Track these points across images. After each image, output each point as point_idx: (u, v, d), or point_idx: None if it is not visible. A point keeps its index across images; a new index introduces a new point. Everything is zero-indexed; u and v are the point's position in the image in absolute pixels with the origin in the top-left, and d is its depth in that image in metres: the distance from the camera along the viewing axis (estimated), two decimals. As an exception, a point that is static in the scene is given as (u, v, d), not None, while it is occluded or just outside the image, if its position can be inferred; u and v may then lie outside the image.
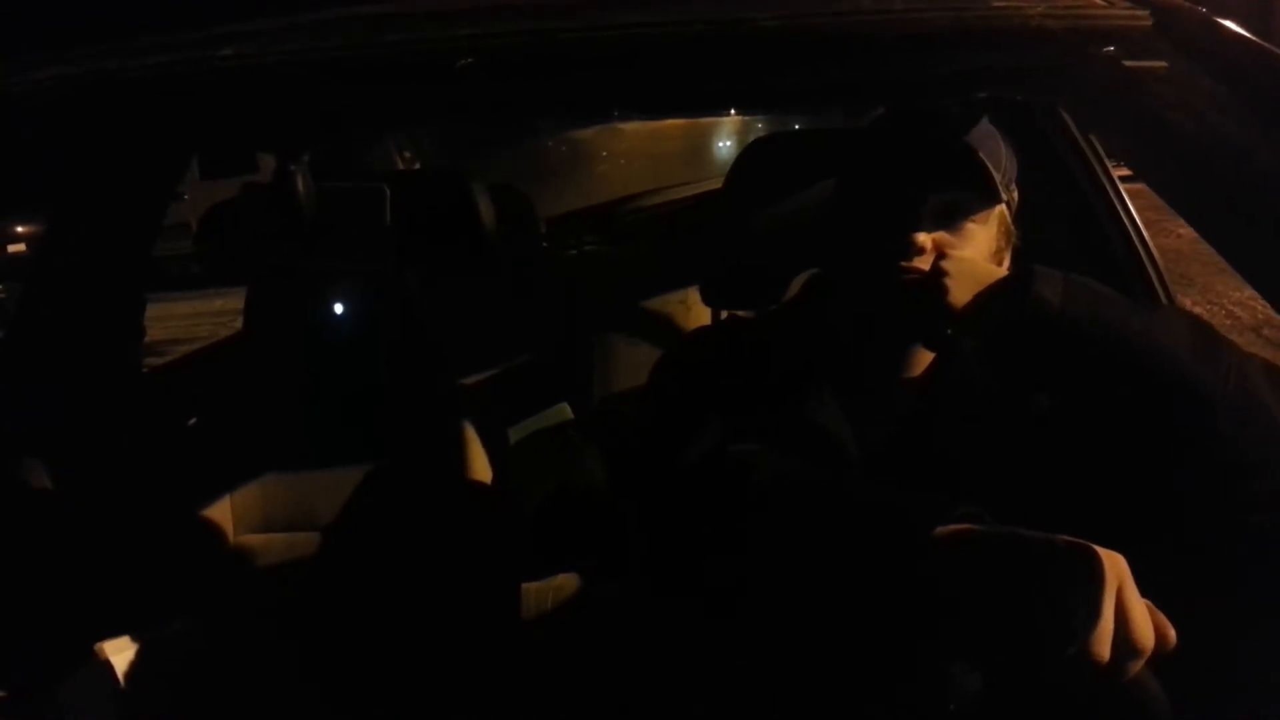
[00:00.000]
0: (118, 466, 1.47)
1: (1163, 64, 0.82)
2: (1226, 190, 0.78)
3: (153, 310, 1.71)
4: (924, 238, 0.87)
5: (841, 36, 0.85)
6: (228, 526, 1.49)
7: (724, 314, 1.42)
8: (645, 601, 1.03)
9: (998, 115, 0.94)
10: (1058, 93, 1.01)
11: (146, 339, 1.72)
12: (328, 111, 0.96)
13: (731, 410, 0.90)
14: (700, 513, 0.82)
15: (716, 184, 1.38)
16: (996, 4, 0.86)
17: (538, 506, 1.67)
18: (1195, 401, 0.79)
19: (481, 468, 1.47)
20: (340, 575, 1.44)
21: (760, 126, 2.87)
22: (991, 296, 0.84)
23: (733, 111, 2.50)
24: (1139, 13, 0.84)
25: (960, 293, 0.84)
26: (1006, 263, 0.95)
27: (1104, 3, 0.87)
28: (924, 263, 0.87)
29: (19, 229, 6.99)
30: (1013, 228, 0.95)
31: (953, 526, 0.68)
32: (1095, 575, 0.62)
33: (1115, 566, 0.64)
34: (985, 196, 0.89)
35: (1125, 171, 1.20)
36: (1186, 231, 0.83)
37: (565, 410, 2.00)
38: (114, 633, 1.25)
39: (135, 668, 1.24)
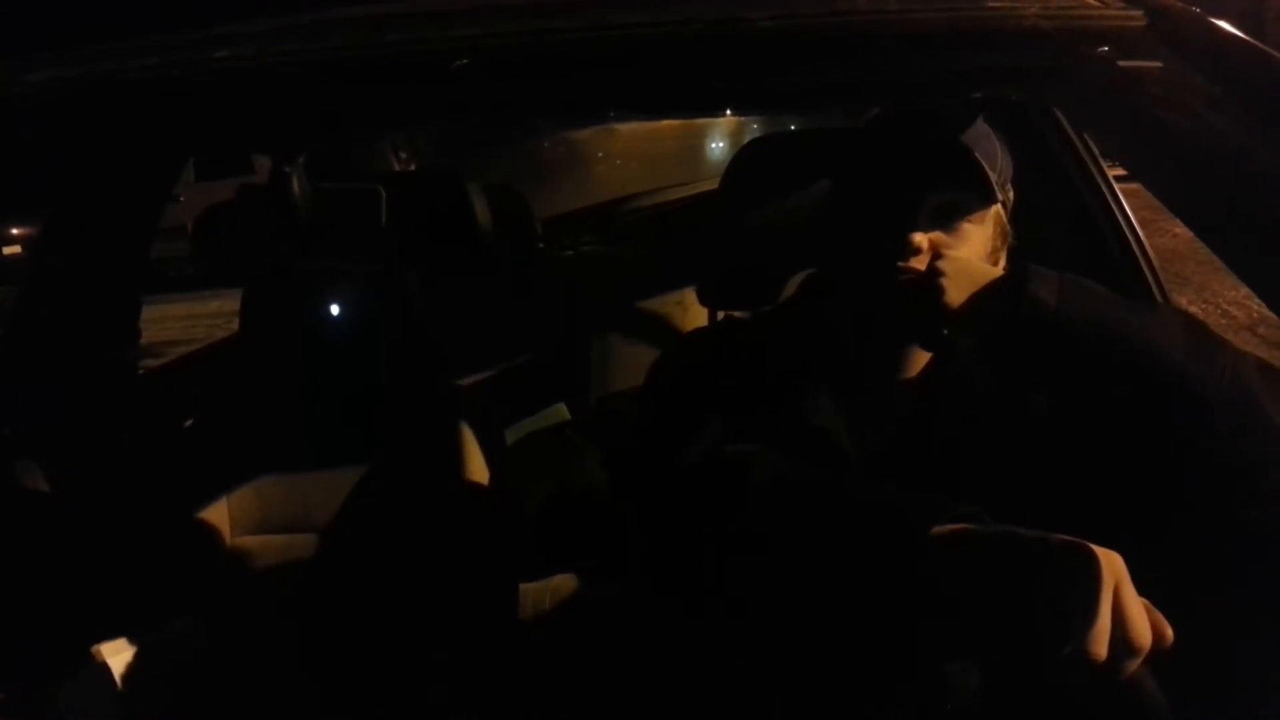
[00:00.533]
0: (115, 468, 1.47)
1: (1157, 64, 0.82)
2: (1221, 189, 0.79)
3: (149, 312, 1.71)
4: (920, 238, 0.87)
5: (836, 36, 0.85)
6: (225, 528, 1.49)
7: (721, 314, 1.42)
8: (645, 601, 1.03)
9: (993, 115, 0.94)
10: (1052, 93, 1.02)
11: (143, 341, 1.72)
12: (323, 112, 0.96)
13: (729, 411, 0.90)
14: (698, 513, 0.83)
15: (713, 184, 1.38)
16: (991, 4, 0.86)
17: (538, 507, 1.67)
18: (1190, 400, 0.79)
19: (479, 468, 1.47)
20: (337, 576, 1.44)
21: (756, 127, 2.88)
22: (987, 296, 0.84)
23: (729, 112, 2.50)
24: (1133, 13, 0.85)
25: (956, 292, 0.84)
26: (1002, 263, 0.95)
27: (1098, 3, 0.87)
28: (920, 263, 0.87)
29: (15, 231, 6.97)
30: (1009, 228, 0.95)
31: (950, 526, 0.68)
32: (1092, 574, 0.62)
33: (1112, 565, 0.64)
34: (981, 197, 0.89)
35: (1121, 171, 1.20)
36: (1182, 231, 0.83)
37: (562, 411, 2.00)
38: (112, 635, 1.25)
39: (133, 669, 1.24)
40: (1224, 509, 0.80)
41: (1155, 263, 1.44)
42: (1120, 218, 1.46)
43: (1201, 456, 0.80)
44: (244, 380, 1.64)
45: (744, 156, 1.29)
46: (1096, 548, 0.64)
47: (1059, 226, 1.48)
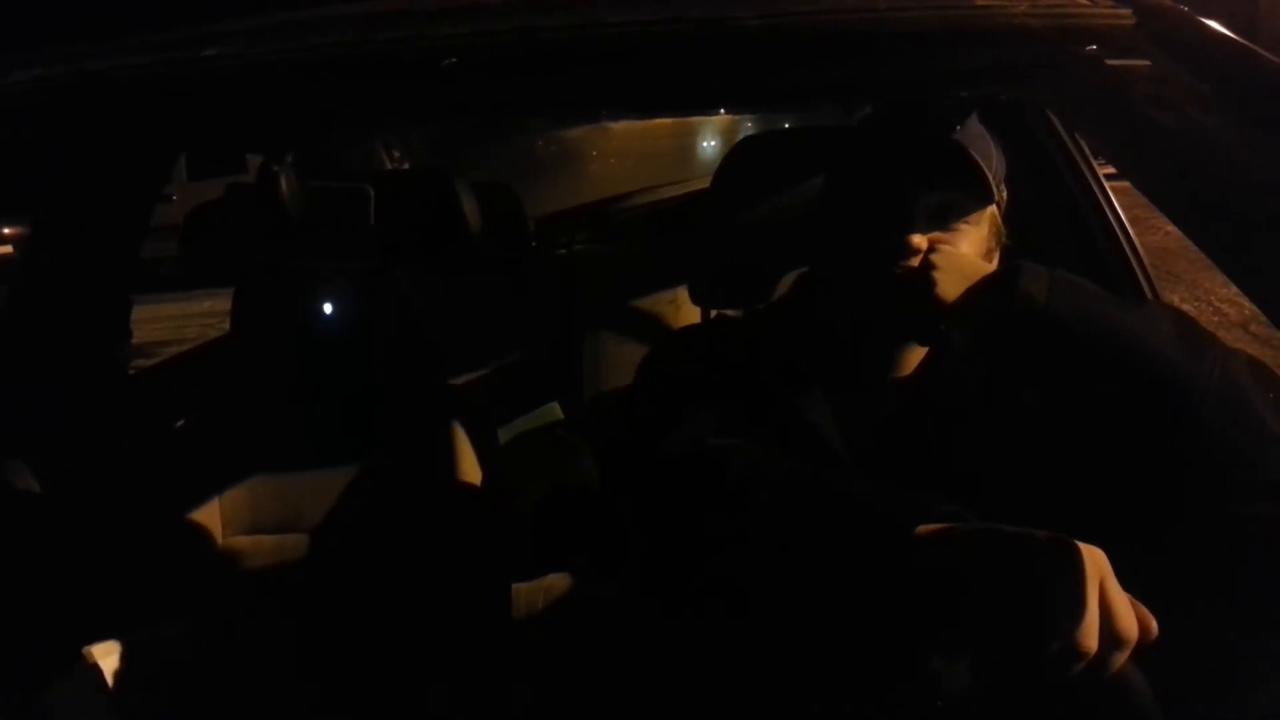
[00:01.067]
0: (106, 469, 1.47)
1: (1145, 63, 0.82)
2: (1209, 188, 0.79)
3: (141, 312, 1.71)
4: (918, 238, 0.87)
5: (825, 35, 0.85)
6: (216, 528, 1.49)
7: (713, 313, 1.42)
8: (639, 600, 1.03)
9: (984, 113, 0.94)
10: (1040, 91, 1.02)
11: (134, 340, 1.71)
12: (313, 111, 0.96)
13: (720, 409, 0.90)
14: (677, 508, 0.83)
15: (706, 183, 1.38)
16: (979, 3, 0.87)
17: (532, 506, 1.67)
18: (1180, 396, 0.79)
19: (472, 468, 1.47)
20: (330, 577, 1.43)
21: (749, 125, 2.88)
22: (980, 291, 0.84)
23: (721, 110, 2.50)
24: (1122, 11, 0.85)
25: (949, 286, 0.84)
26: (996, 261, 0.95)
27: (1087, 1, 0.87)
28: (916, 263, 0.87)
29: (5, 231, 6.94)
30: (1003, 227, 0.96)
31: (934, 525, 0.68)
32: (1078, 569, 0.63)
33: (1096, 560, 0.64)
34: (977, 196, 0.89)
35: (1112, 169, 1.21)
36: (1174, 229, 0.83)
37: (556, 409, 2.00)
38: (103, 636, 1.24)
39: (124, 670, 1.24)
40: (1214, 505, 0.80)
41: (1146, 261, 1.45)
42: (1111, 216, 1.46)
43: (1191, 452, 0.80)
44: (236, 380, 1.64)
45: (736, 155, 1.29)
46: (1080, 543, 0.64)
47: (1050, 225, 1.48)
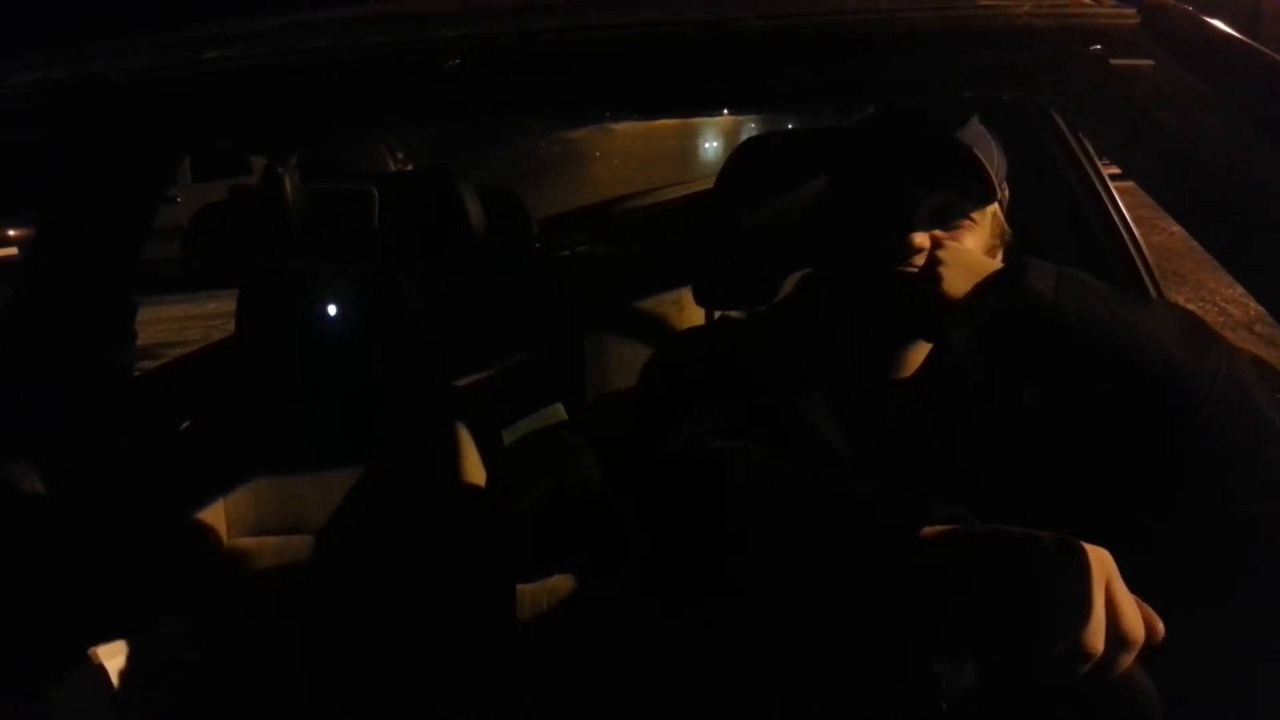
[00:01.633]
0: (110, 470, 1.47)
1: (1149, 62, 0.82)
2: (1213, 188, 0.79)
3: (145, 313, 1.71)
4: (921, 237, 0.87)
5: (827, 35, 0.85)
6: (221, 529, 1.49)
7: (717, 314, 1.42)
8: (641, 601, 1.02)
9: (987, 113, 0.94)
10: (1044, 91, 1.01)
11: (139, 342, 1.72)
12: (315, 112, 0.96)
13: (723, 410, 0.90)
14: (679, 509, 0.82)
15: (708, 184, 1.38)
16: (983, 2, 0.86)
17: (536, 507, 1.67)
18: (1184, 394, 0.79)
19: (474, 469, 1.47)
20: (334, 578, 1.44)
21: (752, 126, 2.88)
22: (985, 288, 0.84)
23: (725, 111, 2.50)
24: (1126, 11, 0.85)
25: (955, 282, 0.84)
26: (1000, 259, 0.95)
27: (1091, 1, 0.87)
28: (921, 261, 0.87)
29: (10, 233, 6.97)
30: (1005, 226, 0.95)
31: (938, 528, 0.68)
32: (1084, 570, 0.63)
33: (1101, 561, 0.64)
34: (980, 195, 0.89)
35: (1117, 169, 1.20)
36: (1179, 229, 0.83)
37: (559, 411, 2.00)
38: (107, 637, 1.25)
39: (129, 671, 1.24)
40: (1217, 504, 0.80)
41: (1151, 260, 1.44)
42: (1116, 216, 1.46)
43: (1194, 451, 0.80)
44: (240, 382, 1.64)
45: (739, 156, 1.29)
46: (1085, 544, 0.64)
47: (1054, 224, 1.48)
